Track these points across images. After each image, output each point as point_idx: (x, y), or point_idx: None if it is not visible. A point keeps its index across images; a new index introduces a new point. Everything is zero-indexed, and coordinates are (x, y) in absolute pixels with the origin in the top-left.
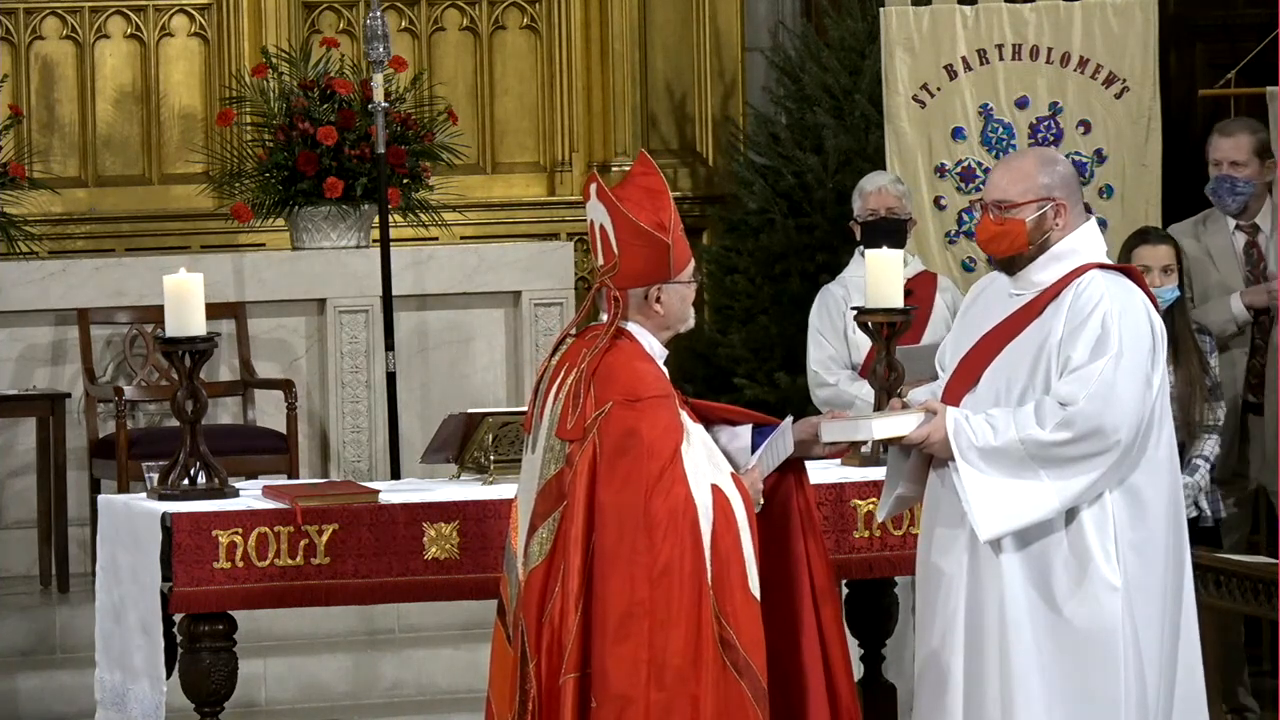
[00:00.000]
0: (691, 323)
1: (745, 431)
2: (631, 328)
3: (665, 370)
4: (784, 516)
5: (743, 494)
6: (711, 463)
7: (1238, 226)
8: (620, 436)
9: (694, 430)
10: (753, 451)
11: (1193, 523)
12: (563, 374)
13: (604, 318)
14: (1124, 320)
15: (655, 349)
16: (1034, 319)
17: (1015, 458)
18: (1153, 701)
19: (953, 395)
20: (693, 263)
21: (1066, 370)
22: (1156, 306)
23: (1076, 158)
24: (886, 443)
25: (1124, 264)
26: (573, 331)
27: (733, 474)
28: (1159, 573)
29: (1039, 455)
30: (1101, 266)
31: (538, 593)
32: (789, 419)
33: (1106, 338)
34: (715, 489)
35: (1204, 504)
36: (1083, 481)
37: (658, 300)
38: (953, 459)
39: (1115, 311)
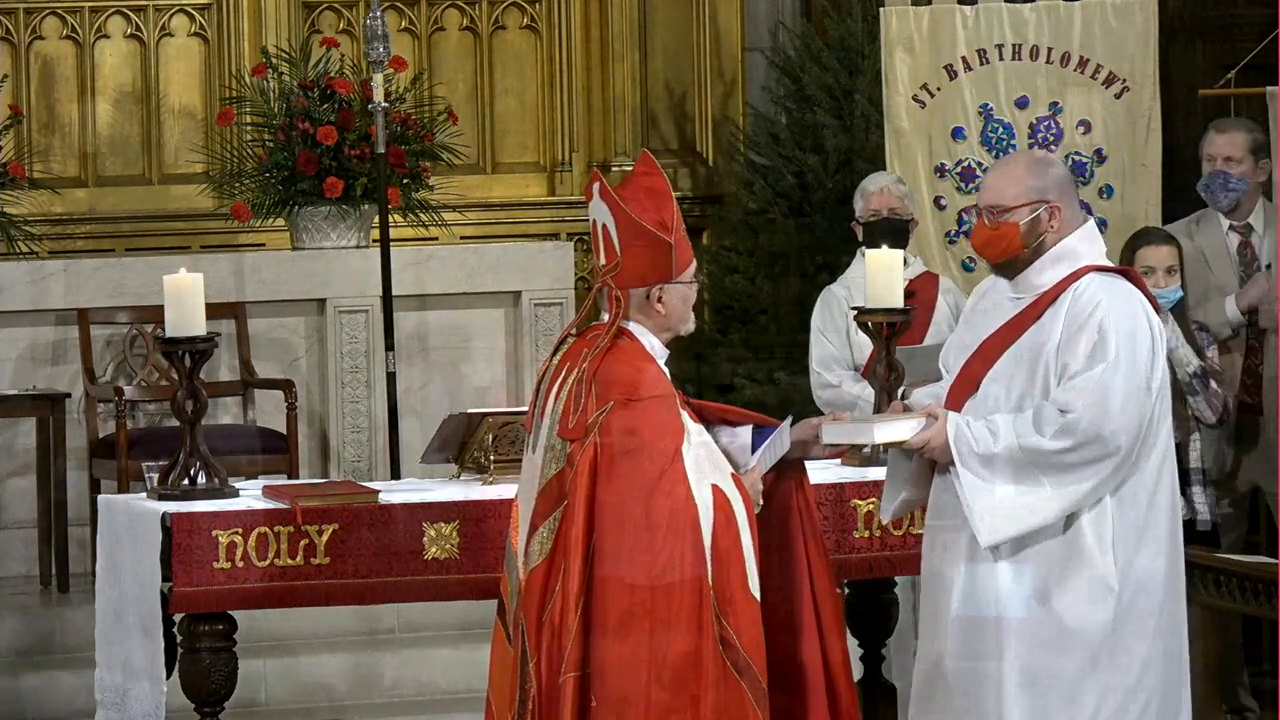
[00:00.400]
0: (692, 325)
1: (745, 431)
2: (633, 328)
3: (666, 370)
4: (784, 516)
5: (743, 494)
6: (712, 463)
7: (1231, 227)
8: (621, 436)
9: (694, 430)
10: (753, 452)
11: (1188, 525)
12: (564, 374)
13: (605, 317)
14: (1122, 324)
15: (656, 349)
16: (1033, 323)
17: (1015, 464)
18: (1156, 702)
19: (955, 400)
20: (694, 264)
21: (1065, 376)
22: (1157, 308)
23: (1076, 158)
24: (887, 446)
25: (1123, 266)
26: (574, 331)
27: (733, 474)
28: (1158, 574)
29: (1039, 462)
30: (1100, 269)
31: (538, 592)
32: (788, 419)
33: (1104, 343)
34: (715, 489)
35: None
36: (1083, 487)
37: (659, 300)
38: (953, 464)
39: (1113, 316)
